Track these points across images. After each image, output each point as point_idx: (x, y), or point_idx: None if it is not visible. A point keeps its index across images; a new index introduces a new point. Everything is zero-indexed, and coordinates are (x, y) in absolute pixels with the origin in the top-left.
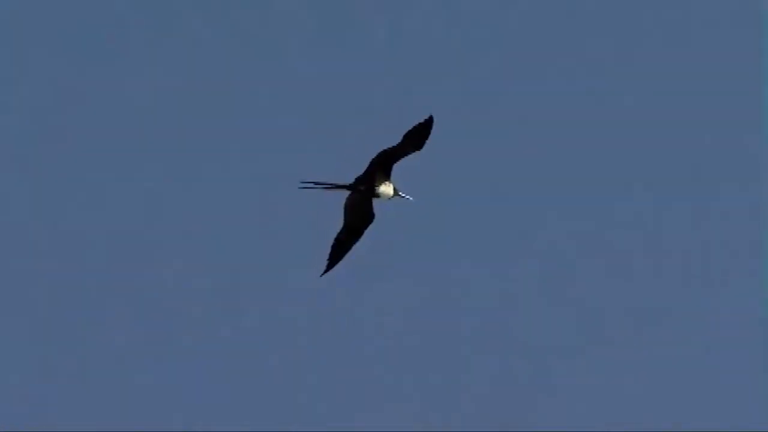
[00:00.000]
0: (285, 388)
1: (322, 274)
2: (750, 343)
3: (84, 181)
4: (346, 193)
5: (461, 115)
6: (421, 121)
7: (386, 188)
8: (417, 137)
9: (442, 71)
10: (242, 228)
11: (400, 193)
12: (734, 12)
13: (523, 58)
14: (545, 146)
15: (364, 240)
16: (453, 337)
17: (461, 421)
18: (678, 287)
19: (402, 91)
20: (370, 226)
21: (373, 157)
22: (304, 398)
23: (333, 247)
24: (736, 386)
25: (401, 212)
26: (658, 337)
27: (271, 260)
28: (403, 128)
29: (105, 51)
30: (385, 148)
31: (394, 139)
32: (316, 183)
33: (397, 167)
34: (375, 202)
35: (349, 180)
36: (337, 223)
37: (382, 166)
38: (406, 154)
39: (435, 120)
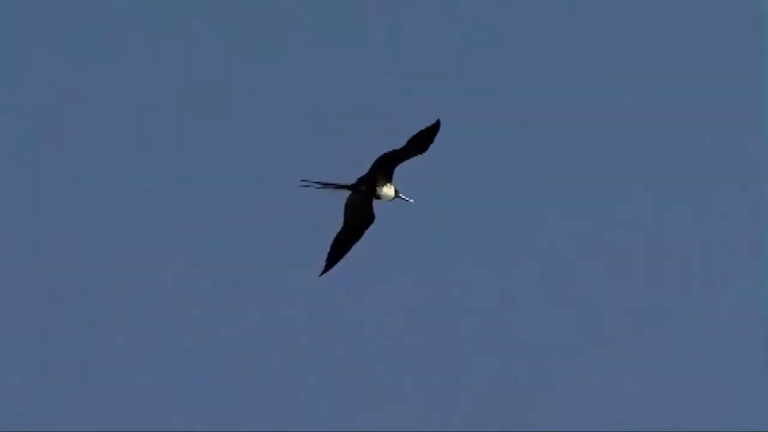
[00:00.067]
0: (285, 388)
1: (321, 274)
2: (750, 343)
3: (84, 181)
4: (347, 193)
5: (461, 115)
6: (429, 125)
7: (388, 190)
8: (423, 141)
9: (442, 71)
10: (242, 228)
11: (401, 195)
12: (734, 12)
13: (523, 58)
14: (545, 146)
15: (364, 240)
16: (453, 337)
17: (461, 421)
18: (678, 287)
19: (402, 91)
20: (370, 227)
21: (376, 158)
22: (304, 398)
23: (332, 247)
24: (736, 386)
25: (401, 212)
26: (658, 337)
27: (270, 260)
28: (403, 128)
29: (105, 51)
30: (389, 150)
31: (394, 139)
32: (317, 182)
33: (398, 167)
34: (375, 202)
35: (350, 180)
36: (337, 223)
37: (384, 168)
38: (409, 156)
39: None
